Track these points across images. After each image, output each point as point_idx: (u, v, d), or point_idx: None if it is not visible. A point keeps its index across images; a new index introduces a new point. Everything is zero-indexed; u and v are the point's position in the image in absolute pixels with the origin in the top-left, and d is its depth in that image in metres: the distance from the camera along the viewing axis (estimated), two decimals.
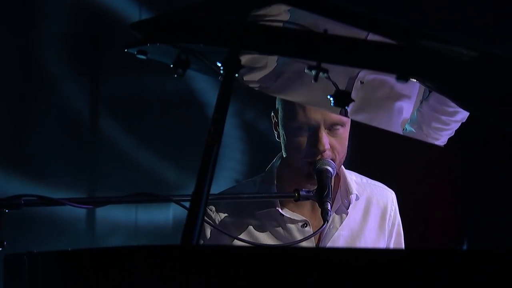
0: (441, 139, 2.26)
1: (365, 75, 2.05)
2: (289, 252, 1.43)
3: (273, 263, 1.37)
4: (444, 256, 1.37)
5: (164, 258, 1.42)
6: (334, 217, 2.42)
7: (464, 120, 2.25)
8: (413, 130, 2.25)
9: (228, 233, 2.35)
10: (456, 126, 2.25)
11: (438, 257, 1.36)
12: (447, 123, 2.23)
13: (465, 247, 1.42)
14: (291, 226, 2.40)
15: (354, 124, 2.39)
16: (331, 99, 1.76)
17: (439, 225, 4.30)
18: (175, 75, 1.73)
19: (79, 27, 4.08)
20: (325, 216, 2.24)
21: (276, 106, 2.42)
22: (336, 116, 2.29)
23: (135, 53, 1.74)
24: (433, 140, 2.26)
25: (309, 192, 2.26)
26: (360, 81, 2.06)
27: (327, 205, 2.25)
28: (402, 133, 2.23)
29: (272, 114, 2.44)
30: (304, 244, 2.33)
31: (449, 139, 2.29)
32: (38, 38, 4.01)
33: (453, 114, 2.21)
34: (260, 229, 2.42)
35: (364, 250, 1.62)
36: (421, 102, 2.23)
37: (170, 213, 4.08)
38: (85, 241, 3.96)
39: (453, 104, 2.16)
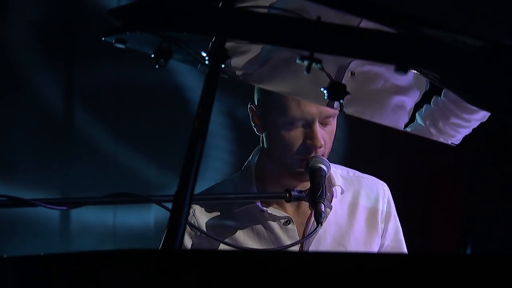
0: (457, 137, 2.26)
1: (357, 66, 2.05)
2: (274, 257, 1.43)
3: (258, 268, 1.38)
4: (446, 261, 1.38)
5: (145, 264, 1.42)
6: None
7: (485, 119, 2.25)
8: (423, 124, 2.25)
9: (208, 236, 2.35)
10: (475, 124, 2.26)
11: (440, 262, 1.37)
12: (467, 120, 2.23)
13: (469, 251, 1.43)
14: (273, 223, 2.40)
15: (354, 124, 2.39)
16: (325, 92, 1.76)
17: (442, 227, 4.32)
18: (157, 66, 1.73)
19: (52, 13, 4.07)
20: (318, 218, 2.24)
21: (256, 97, 2.40)
22: (330, 109, 2.29)
23: (113, 42, 1.74)
24: (447, 137, 2.26)
25: (301, 192, 2.26)
26: (351, 72, 2.06)
27: (321, 206, 2.25)
28: (402, 128, 2.23)
29: (250, 106, 2.42)
30: (288, 243, 2.33)
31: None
32: (7, 25, 4.00)
33: (476, 111, 2.22)
34: (240, 228, 2.41)
35: (360, 254, 1.62)
36: (440, 95, 2.23)
37: (151, 215, 4.08)
38: (59, 245, 3.95)
39: None
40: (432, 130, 2.26)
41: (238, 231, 2.41)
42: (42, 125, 4.05)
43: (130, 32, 1.69)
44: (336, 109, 2.24)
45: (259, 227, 2.40)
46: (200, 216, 2.42)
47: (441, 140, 2.28)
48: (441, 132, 2.26)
